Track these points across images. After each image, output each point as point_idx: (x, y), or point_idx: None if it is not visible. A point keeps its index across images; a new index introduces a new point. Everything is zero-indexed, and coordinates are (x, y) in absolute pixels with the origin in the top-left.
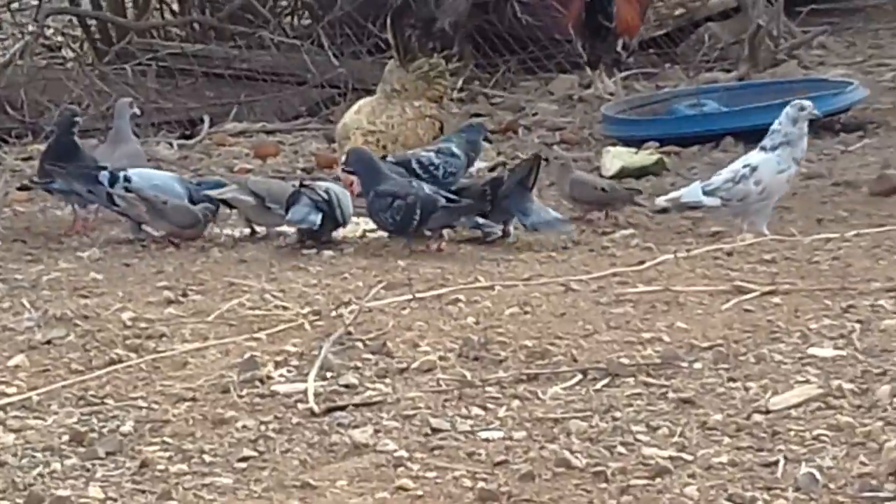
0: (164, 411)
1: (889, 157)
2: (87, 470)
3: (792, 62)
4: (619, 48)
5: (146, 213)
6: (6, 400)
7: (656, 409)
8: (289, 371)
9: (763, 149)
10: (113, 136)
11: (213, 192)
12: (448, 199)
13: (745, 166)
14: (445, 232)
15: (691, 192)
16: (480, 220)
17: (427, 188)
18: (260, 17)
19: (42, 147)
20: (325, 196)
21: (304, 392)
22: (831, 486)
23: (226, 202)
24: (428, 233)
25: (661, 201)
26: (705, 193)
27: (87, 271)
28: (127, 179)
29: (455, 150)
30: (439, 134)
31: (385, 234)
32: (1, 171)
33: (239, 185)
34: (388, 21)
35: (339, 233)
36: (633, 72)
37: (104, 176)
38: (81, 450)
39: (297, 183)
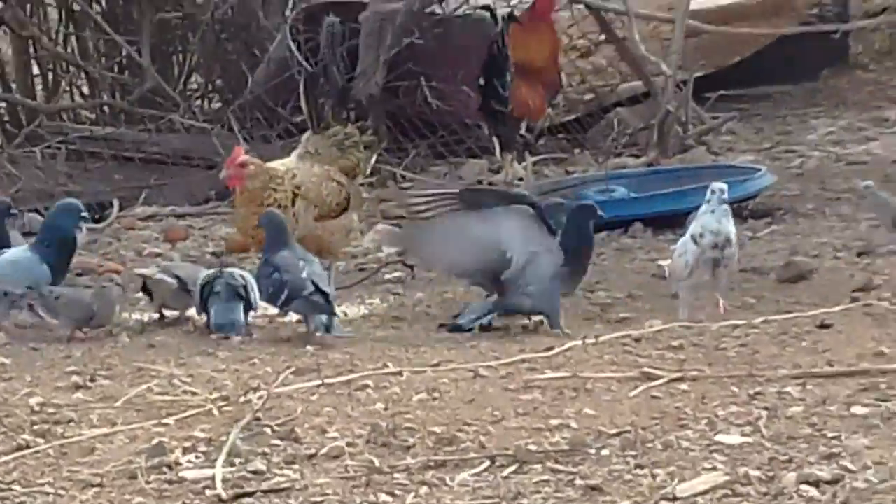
0: (71, 497)
1: (797, 244)
2: None
3: (701, 148)
4: (522, 131)
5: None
6: None
7: (564, 496)
8: (197, 457)
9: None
10: None
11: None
12: (317, 291)
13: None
14: None
15: None
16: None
17: (307, 273)
18: (170, 100)
19: None
20: (243, 282)
21: (212, 478)
22: None
23: (145, 286)
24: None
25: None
26: None
27: None
28: None
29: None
30: (344, 203)
31: (293, 318)
32: None
33: (160, 268)
34: (301, 88)
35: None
36: (542, 157)
37: None
38: None
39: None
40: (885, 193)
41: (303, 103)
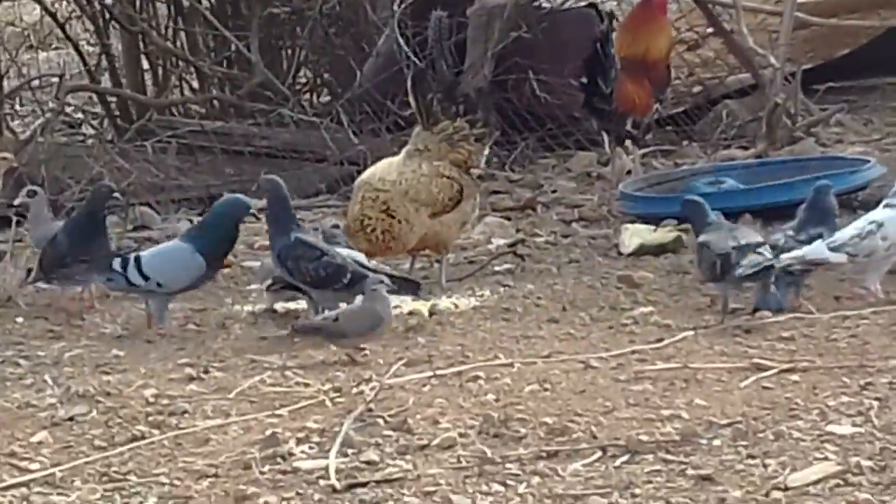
0: (186, 488)
1: None
2: None
3: (809, 140)
4: (629, 127)
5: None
6: (30, 476)
7: (675, 486)
8: (310, 447)
9: (889, 206)
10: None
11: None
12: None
13: (870, 223)
14: None
15: (815, 249)
16: None
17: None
18: (279, 94)
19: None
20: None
21: (326, 469)
22: None
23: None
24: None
25: (786, 258)
26: (831, 249)
27: (109, 348)
28: (137, 261)
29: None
30: (457, 196)
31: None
32: (22, 249)
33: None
34: (409, 84)
35: None
36: (651, 149)
37: (116, 262)
38: None
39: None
40: None
41: (411, 99)
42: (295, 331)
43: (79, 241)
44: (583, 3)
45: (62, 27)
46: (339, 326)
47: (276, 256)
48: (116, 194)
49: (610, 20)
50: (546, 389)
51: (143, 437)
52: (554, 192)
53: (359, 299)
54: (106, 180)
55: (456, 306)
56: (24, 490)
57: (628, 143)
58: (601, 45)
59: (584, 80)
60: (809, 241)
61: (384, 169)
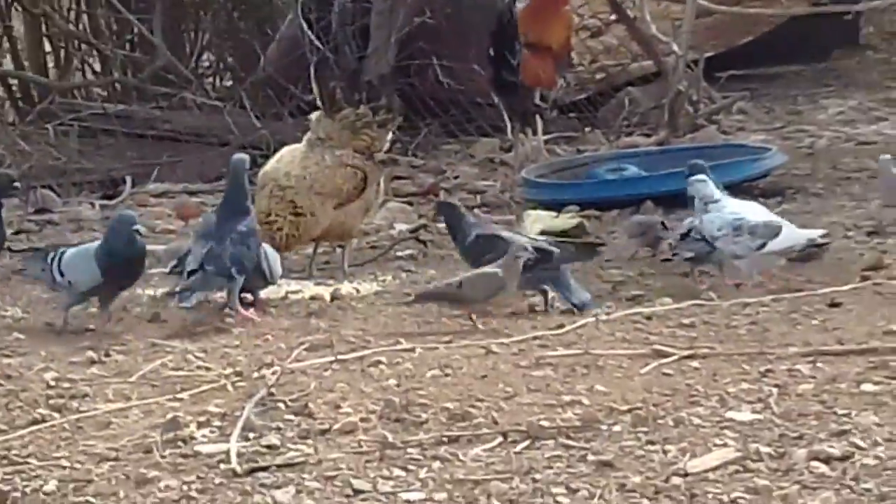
0: (87, 471)
1: (807, 223)
2: None
3: (711, 127)
4: (536, 100)
5: None
6: None
7: (576, 472)
8: (211, 431)
9: (707, 203)
10: None
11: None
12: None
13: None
14: None
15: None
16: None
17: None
18: (182, 77)
19: None
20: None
21: (227, 452)
22: None
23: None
24: None
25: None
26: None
27: (10, 332)
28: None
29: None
30: (361, 185)
31: (306, 295)
32: None
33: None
34: (312, 71)
35: (262, 293)
36: (553, 135)
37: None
38: None
39: None
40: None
41: (314, 86)
42: (417, 297)
43: None
44: None
45: None
46: (461, 292)
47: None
48: (17, 183)
49: None
50: (447, 375)
51: (44, 421)
52: (457, 177)
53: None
54: (6, 165)
55: (358, 291)
56: None
57: (537, 118)
58: (507, 20)
59: (492, 52)
60: None
61: (288, 162)
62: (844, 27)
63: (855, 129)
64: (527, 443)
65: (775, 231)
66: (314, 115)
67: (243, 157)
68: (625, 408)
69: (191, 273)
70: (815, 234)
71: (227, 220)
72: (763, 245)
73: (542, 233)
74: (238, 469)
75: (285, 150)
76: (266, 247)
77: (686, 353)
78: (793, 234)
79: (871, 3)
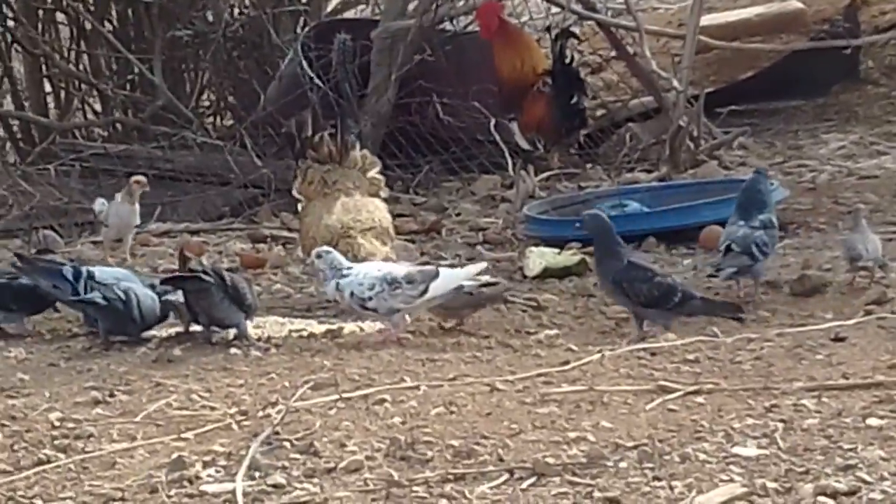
0: None
1: (809, 258)
2: None
3: (712, 163)
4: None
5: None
6: None
7: None
8: (217, 471)
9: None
10: None
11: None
12: None
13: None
14: None
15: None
16: None
17: None
18: (182, 117)
19: None
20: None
21: (233, 492)
22: None
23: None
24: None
25: None
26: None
27: (14, 371)
28: (90, 275)
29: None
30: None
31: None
32: None
33: None
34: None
35: (265, 332)
36: (554, 172)
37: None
38: None
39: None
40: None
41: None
42: None
43: None
44: None
45: None
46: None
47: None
48: None
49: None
50: (452, 412)
51: (49, 461)
52: (458, 214)
53: None
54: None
55: (361, 329)
56: None
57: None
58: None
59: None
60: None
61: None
62: (844, 62)
63: (856, 164)
64: (533, 480)
65: (432, 275)
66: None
67: None
68: (630, 444)
69: None
70: (474, 270)
71: None
72: (426, 289)
73: (546, 270)
74: None
75: (324, 204)
76: (236, 277)
77: (691, 388)
78: (452, 275)
79: (870, 37)
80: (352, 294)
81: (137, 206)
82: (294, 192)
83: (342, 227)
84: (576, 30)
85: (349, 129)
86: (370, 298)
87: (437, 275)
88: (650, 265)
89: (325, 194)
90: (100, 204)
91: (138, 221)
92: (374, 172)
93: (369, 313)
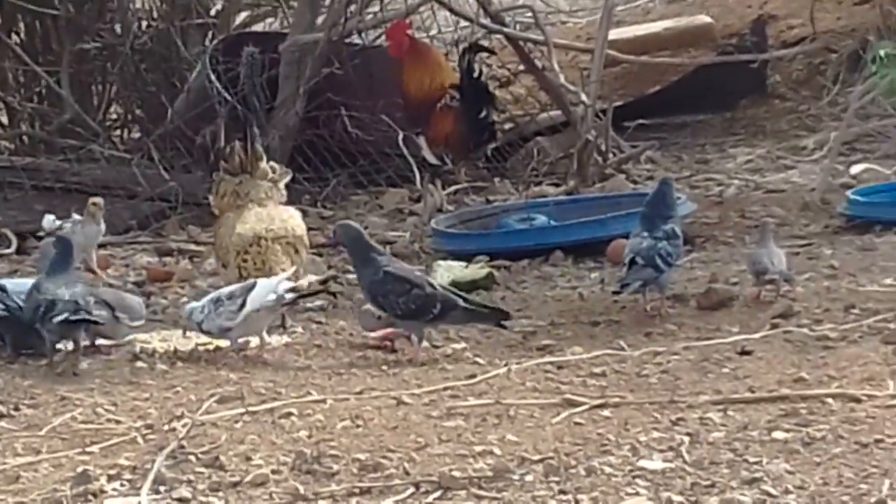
0: None
1: (716, 271)
2: None
3: (620, 176)
4: (431, 160)
5: None
6: None
7: None
8: (122, 485)
9: None
10: None
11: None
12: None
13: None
14: None
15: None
16: None
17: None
18: (90, 130)
19: None
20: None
21: None
22: None
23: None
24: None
25: None
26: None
27: None
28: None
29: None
30: None
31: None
32: None
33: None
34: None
35: (170, 346)
36: (462, 186)
37: None
38: None
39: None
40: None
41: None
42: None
43: None
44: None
45: None
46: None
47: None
48: None
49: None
50: (359, 426)
51: None
52: (366, 228)
53: None
54: None
55: (268, 343)
56: None
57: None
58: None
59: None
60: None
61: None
62: (751, 76)
63: (763, 178)
64: (438, 493)
65: (249, 288)
66: (229, 179)
67: None
68: (536, 457)
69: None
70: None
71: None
72: (244, 303)
73: (453, 283)
74: None
75: (234, 214)
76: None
77: (597, 402)
78: (268, 285)
79: (777, 52)
80: (190, 317)
81: (103, 225)
82: (212, 207)
83: (255, 235)
84: (485, 43)
85: (257, 140)
86: (203, 322)
87: (253, 286)
88: (409, 275)
89: (239, 206)
90: (49, 221)
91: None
92: (285, 182)
93: (211, 335)
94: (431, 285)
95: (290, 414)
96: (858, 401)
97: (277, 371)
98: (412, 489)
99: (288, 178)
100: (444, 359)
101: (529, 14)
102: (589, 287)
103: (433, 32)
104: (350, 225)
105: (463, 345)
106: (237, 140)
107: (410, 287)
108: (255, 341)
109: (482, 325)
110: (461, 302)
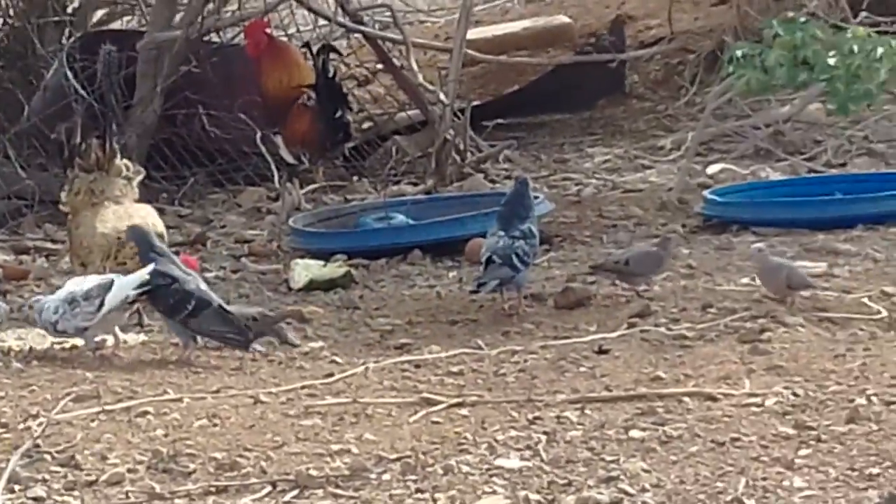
0: None
1: (574, 271)
2: None
3: (479, 176)
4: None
5: None
6: None
7: None
8: None
9: None
10: None
11: None
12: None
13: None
14: None
15: None
16: None
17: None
18: None
19: None
20: None
21: None
22: None
23: None
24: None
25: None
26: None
27: None
28: None
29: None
30: None
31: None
32: None
33: None
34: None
35: (26, 344)
36: (321, 184)
37: None
38: None
39: None
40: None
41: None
42: (593, 268)
43: None
44: None
45: None
46: (629, 268)
47: None
48: None
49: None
50: (215, 424)
51: None
52: (223, 227)
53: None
54: None
55: (124, 342)
56: None
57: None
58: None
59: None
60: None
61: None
62: (610, 76)
63: (621, 178)
64: (295, 492)
65: (107, 287)
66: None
67: None
68: (394, 456)
69: None
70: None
71: None
72: (102, 303)
73: (311, 282)
74: None
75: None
76: None
77: (454, 400)
78: (125, 284)
79: (635, 52)
80: (40, 316)
81: None
82: (61, 205)
83: (117, 234)
84: (343, 42)
85: (114, 137)
86: (57, 322)
87: (110, 285)
88: (174, 272)
89: (94, 204)
90: None
91: None
92: (138, 180)
93: (66, 335)
94: (197, 286)
95: (146, 413)
96: (715, 399)
97: (134, 370)
98: (269, 488)
99: (142, 176)
100: (302, 357)
101: (388, 13)
102: (447, 286)
103: (291, 31)
104: (138, 227)
105: (321, 343)
106: (94, 137)
107: (171, 282)
108: (110, 340)
109: (230, 334)
110: (216, 304)
